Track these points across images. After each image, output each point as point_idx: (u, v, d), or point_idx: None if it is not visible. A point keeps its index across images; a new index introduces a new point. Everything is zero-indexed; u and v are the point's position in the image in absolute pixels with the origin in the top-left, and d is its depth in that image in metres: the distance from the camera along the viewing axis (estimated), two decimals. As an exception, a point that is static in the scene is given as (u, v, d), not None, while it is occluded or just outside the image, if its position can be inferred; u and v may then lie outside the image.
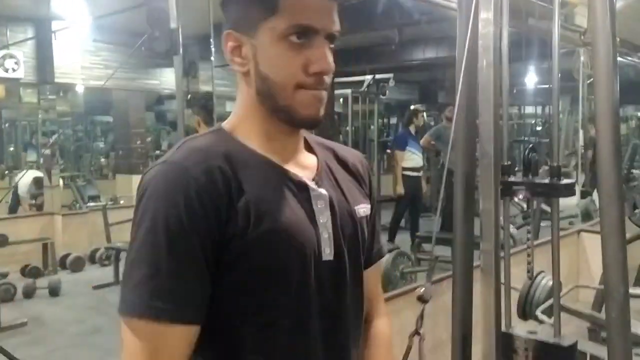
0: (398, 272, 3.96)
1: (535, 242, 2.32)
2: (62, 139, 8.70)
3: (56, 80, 6.33)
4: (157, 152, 9.40)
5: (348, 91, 7.59)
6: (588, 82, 5.74)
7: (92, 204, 7.42)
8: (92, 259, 6.25)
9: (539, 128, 12.68)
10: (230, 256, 0.77)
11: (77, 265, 5.96)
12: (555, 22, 2.04)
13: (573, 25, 4.19)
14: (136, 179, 6.26)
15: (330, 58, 0.82)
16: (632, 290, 4.28)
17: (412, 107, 7.83)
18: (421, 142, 6.68)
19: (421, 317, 1.08)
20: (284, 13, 0.79)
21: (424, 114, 6.68)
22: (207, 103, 3.01)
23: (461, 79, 2.07)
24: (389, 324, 1.02)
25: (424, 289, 1.15)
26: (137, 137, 8.31)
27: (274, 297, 0.80)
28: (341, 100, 7.96)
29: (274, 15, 0.80)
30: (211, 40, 2.84)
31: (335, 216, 0.86)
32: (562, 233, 4.24)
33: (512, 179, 2.02)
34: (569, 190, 2.11)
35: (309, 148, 0.92)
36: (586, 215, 6.02)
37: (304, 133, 0.92)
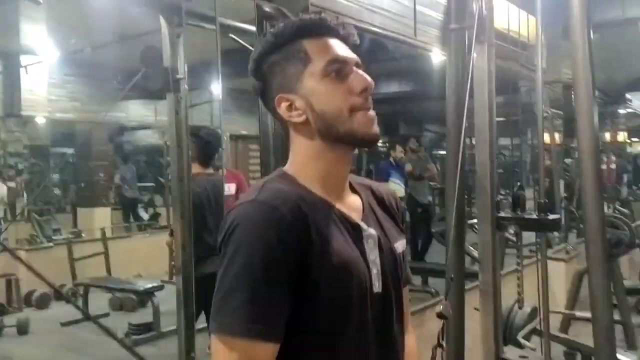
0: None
1: (505, 271, 2.47)
2: (26, 173, 8.49)
3: (22, 112, 6.24)
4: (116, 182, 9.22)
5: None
6: (544, 115, 6.10)
7: (55, 237, 7.24)
8: (58, 295, 6.06)
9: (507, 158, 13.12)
10: (306, 286, 0.87)
11: (43, 302, 5.79)
12: (539, 67, 2.23)
13: (532, 65, 4.48)
14: (99, 212, 6.20)
15: (367, 76, 0.96)
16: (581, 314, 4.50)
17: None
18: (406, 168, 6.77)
19: (442, 330, 1.19)
20: (315, 57, 0.95)
21: (401, 146, 6.83)
22: (207, 141, 3.05)
23: (448, 118, 2.24)
24: (414, 339, 1.15)
25: (442, 306, 1.25)
26: (100, 170, 8.21)
27: (339, 328, 0.90)
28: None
29: (310, 63, 0.95)
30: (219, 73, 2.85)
31: (382, 253, 0.98)
32: (526, 262, 4.46)
33: (501, 214, 2.18)
34: (555, 225, 2.29)
35: (352, 188, 1.04)
36: (547, 243, 6.29)
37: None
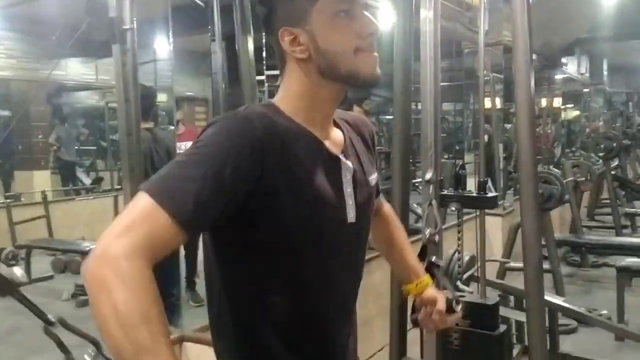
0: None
1: (446, 226, 2.63)
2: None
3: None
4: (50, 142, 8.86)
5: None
6: (486, 78, 6.29)
7: (-8, 201, 6.96)
8: (-3, 259, 5.90)
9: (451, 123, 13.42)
10: (274, 208, 0.90)
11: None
12: (481, 27, 2.32)
13: (475, 27, 4.60)
14: (38, 175, 6.00)
15: (374, 20, 0.98)
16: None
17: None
18: None
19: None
20: None
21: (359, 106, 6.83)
22: (145, 99, 3.01)
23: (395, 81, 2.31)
24: (389, 205, 1.31)
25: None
26: (39, 131, 7.90)
27: (311, 253, 0.96)
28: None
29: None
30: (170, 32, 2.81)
31: (357, 186, 1.03)
32: (468, 217, 4.68)
33: (445, 192, 2.31)
34: (493, 202, 2.44)
35: (335, 123, 1.08)
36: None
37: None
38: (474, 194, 2.27)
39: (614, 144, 6.04)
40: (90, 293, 0.76)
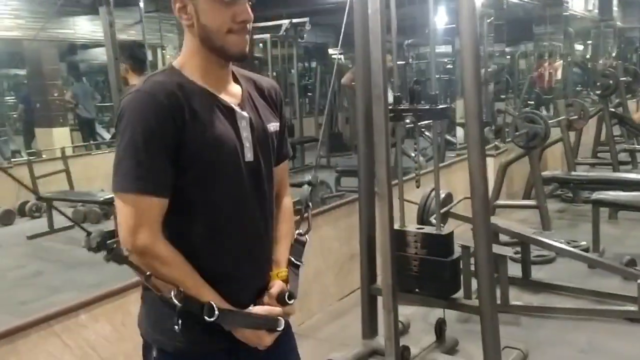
0: (319, 199, 4.45)
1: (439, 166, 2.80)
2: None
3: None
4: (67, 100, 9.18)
5: (267, 36, 7.78)
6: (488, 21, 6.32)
7: (15, 159, 7.35)
8: (21, 212, 6.30)
9: (449, 66, 13.31)
10: (186, 155, 1.14)
11: (7, 218, 6.02)
12: None
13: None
14: (57, 132, 6.24)
15: (249, 11, 1.18)
16: (517, 202, 5.00)
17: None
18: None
19: (309, 194, 1.56)
20: None
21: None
22: (136, 51, 3.22)
23: (355, 24, 2.47)
24: (290, 200, 1.43)
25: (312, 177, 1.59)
26: (54, 89, 8.17)
27: (218, 186, 1.18)
28: (260, 45, 8.14)
29: None
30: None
31: (254, 131, 1.24)
32: (459, 158, 4.84)
33: (400, 107, 2.48)
34: (444, 113, 2.61)
35: (236, 80, 1.29)
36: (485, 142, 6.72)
37: (232, 68, 1.27)
38: (427, 107, 2.45)
39: (611, 82, 6.04)
40: (149, 272, 1.13)
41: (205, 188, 1.18)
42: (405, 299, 2.53)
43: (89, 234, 1.10)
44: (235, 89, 1.27)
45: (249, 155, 1.23)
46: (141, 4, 4.46)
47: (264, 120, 1.28)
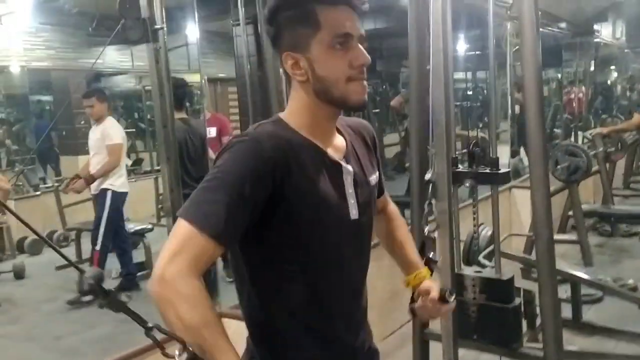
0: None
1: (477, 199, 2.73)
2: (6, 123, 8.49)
3: (-1, 63, 6.24)
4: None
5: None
6: (513, 50, 6.26)
7: (41, 186, 7.37)
8: (50, 241, 6.29)
9: (469, 92, 13.28)
10: (285, 212, 1.07)
11: (35, 248, 6.01)
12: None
13: (500, 2, 4.62)
14: (82, 160, 6.27)
15: (366, 53, 1.11)
16: (557, 237, 4.89)
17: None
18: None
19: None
20: (326, 28, 1.09)
21: None
22: (177, 90, 3.21)
23: (410, 57, 2.41)
24: (395, 206, 1.44)
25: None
26: (81, 117, 8.24)
27: (319, 245, 1.12)
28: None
29: (319, 31, 1.09)
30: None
31: (357, 187, 1.18)
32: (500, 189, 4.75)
33: (460, 169, 2.41)
34: (505, 178, 2.52)
35: (339, 130, 1.23)
36: (515, 173, 6.62)
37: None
38: (487, 170, 2.36)
39: (643, 110, 5.94)
40: (159, 310, 0.97)
41: (307, 247, 1.12)
42: (462, 345, 2.44)
43: (81, 272, 0.97)
44: (340, 140, 1.21)
45: (353, 212, 1.16)
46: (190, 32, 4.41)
47: (367, 173, 1.23)
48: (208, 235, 1.00)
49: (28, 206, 6.62)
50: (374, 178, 1.25)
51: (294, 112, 1.17)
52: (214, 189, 1.04)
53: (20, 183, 7.54)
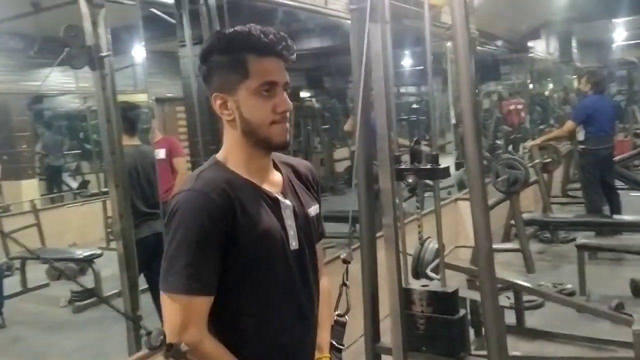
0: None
1: (422, 213, 2.84)
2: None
3: None
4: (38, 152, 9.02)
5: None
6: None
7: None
8: (-8, 270, 6.05)
9: (416, 106, 13.67)
10: (235, 251, 1.15)
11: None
12: (426, 21, 2.53)
13: (440, 23, 4.84)
14: (26, 184, 6.10)
15: (288, 100, 1.20)
16: (501, 246, 5.09)
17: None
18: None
19: (346, 272, 1.48)
20: (254, 76, 1.17)
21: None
22: (128, 113, 3.20)
23: (358, 87, 2.52)
24: (328, 281, 1.46)
25: (345, 253, 1.54)
26: (22, 141, 8.02)
27: (267, 276, 1.20)
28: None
29: (247, 78, 1.17)
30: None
31: (297, 219, 1.26)
32: (442, 202, 4.91)
33: (402, 166, 2.52)
34: (445, 173, 2.65)
35: (276, 166, 1.31)
36: (461, 185, 6.84)
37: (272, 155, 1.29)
38: (428, 166, 2.47)
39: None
40: None
41: (253, 280, 1.19)
42: (412, 357, 2.52)
43: (149, 333, 1.08)
44: (276, 176, 1.29)
45: (294, 244, 1.24)
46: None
47: (305, 206, 1.30)
48: (198, 295, 1.12)
49: (-33, 235, 6.34)
50: (313, 210, 1.32)
51: (229, 150, 1.24)
52: (183, 252, 1.12)
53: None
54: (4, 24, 5.61)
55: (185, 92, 3.28)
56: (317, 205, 1.35)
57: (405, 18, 4.25)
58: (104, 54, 2.80)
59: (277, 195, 1.25)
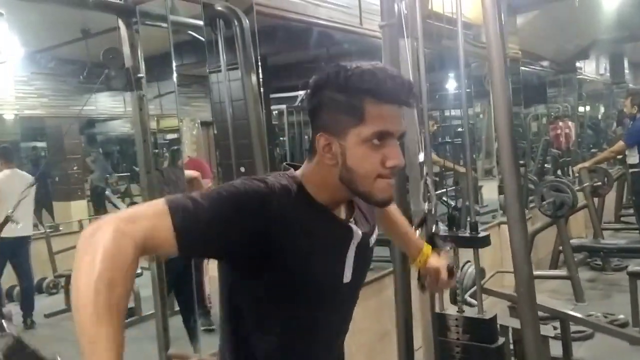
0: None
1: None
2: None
3: (-8, 112, 6.31)
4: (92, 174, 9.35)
5: (283, 107, 7.94)
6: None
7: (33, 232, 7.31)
8: (39, 288, 6.21)
9: (461, 129, 13.39)
10: (276, 268, 1.02)
11: (24, 296, 5.93)
12: (460, 40, 2.46)
13: (481, 43, 4.75)
14: (75, 205, 6.27)
15: (401, 155, 1.06)
16: (548, 272, 4.88)
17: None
18: None
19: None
20: (369, 123, 1.01)
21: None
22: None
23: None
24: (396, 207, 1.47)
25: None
26: (74, 163, 8.29)
27: (304, 308, 1.10)
28: (275, 112, 8.28)
29: (361, 124, 1.01)
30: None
31: (360, 250, 1.12)
32: (485, 226, 4.76)
33: (440, 232, 2.43)
34: (485, 242, 2.54)
35: None
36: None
37: None
38: (467, 234, 2.41)
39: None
40: (78, 249, 0.85)
41: (291, 304, 1.08)
42: (448, 387, 2.41)
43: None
44: (349, 202, 1.16)
45: (347, 276, 1.12)
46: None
47: (371, 234, 1.19)
48: (173, 225, 0.92)
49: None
50: (374, 238, 1.21)
51: (313, 182, 1.09)
52: (208, 200, 0.97)
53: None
54: (57, 50, 5.86)
55: (217, 116, 3.29)
56: (376, 231, 1.23)
57: (446, 38, 4.18)
58: (140, 75, 2.86)
59: (349, 223, 1.12)
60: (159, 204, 0.94)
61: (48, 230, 7.22)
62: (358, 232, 1.12)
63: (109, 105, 8.00)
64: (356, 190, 1.06)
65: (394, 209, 1.45)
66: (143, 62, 2.86)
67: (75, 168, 8.27)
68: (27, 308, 5.19)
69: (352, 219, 1.13)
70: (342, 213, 1.14)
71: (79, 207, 8.19)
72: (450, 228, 2.43)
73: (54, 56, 6.19)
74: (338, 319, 1.19)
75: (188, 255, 1.06)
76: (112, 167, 10.13)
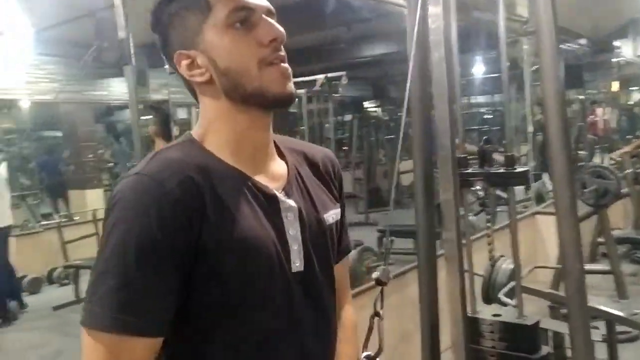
0: (364, 268, 4.01)
1: (494, 228, 2.41)
2: (9, 157, 8.41)
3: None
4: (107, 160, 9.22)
5: (302, 91, 7.62)
6: (532, 69, 5.95)
7: (45, 222, 7.20)
8: (49, 279, 6.09)
9: (488, 116, 13.01)
10: (203, 268, 0.77)
11: (35, 286, 5.81)
12: (501, 12, 2.11)
13: (515, 16, 4.35)
14: (90, 194, 6.08)
15: (277, 26, 0.84)
16: (587, 267, 4.46)
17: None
18: None
19: (380, 299, 1.03)
20: (217, 6, 0.82)
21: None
22: (161, 114, 2.97)
23: (411, 74, 2.12)
24: (352, 310, 1.06)
25: (380, 272, 1.13)
26: (89, 151, 8.12)
27: (250, 309, 0.81)
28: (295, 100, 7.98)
29: (210, 11, 0.82)
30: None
31: (305, 227, 0.87)
32: (518, 217, 4.39)
33: (469, 170, 2.10)
34: (523, 178, 2.20)
35: (280, 153, 0.92)
36: (539, 198, 6.23)
37: (274, 137, 0.92)
38: (501, 170, 2.04)
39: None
40: None
41: (230, 312, 0.80)
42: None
43: None
44: (279, 166, 0.90)
45: (297, 264, 0.85)
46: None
47: (320, 209, 0.91)
48: (133, 335, 0.73)
49: (30, 242, 6.42)
50: (331, 215, 0.93)
51: (206, 128, 0.86)
52: (115, 269, 0.74)
53: (27, 220, 7.41)
54: (67, 32, 5.62)
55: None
56: (339, 210, 0.96)
57: (475, 9, 3.80)
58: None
59: (275, 192, 0.86)
60: (98, 342, 0.74)
61: (62, 220, 7.08)
62: (288, 201, 0.86)
63: (123, 91, 7.80)
64: (246, 94, 0.83)
65: (348, 321, 1.05)
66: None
67: (90, 156, 8.11)
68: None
69: (281, 190, 0.87)
70: (266, 181, 0.87)
71: (95, 196, 8.04)
72: (481, 165, 2.08)
73: (63, 38, 5.96)
74: (312, 327, 0.88)
75: (176, 328, 0.79)
76: (130, 154, 9.96)
